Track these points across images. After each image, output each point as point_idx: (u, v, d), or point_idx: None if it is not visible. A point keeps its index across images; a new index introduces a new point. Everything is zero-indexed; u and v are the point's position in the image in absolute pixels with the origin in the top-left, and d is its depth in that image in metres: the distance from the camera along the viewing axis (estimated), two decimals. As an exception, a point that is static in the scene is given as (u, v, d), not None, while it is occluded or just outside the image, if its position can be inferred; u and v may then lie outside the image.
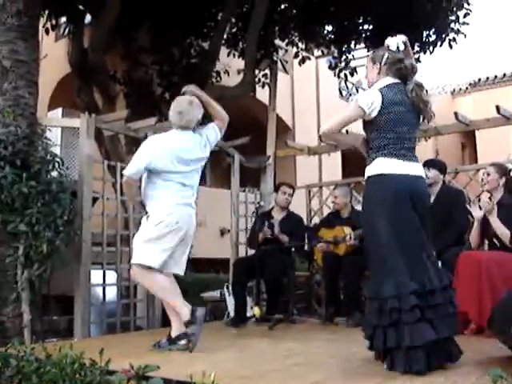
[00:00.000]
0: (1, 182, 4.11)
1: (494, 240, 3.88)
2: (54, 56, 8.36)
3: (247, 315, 4.96)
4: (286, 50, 10.42)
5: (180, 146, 3.58)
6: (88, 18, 7.63)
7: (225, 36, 7.80)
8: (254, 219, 5.54)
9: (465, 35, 7.59)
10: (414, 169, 2.85)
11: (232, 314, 5.18)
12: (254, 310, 4.84)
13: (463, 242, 4.28)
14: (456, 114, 5.48)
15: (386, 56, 2.90)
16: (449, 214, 4.27)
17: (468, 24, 7.52)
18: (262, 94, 8.35)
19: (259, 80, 8.05)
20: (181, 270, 3.67)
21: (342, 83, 12.43)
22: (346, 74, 8.73)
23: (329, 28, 8.13)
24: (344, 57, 8.40)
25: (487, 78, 14.34)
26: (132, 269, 3.63)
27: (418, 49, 7.65)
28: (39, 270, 4.21)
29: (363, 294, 4.65)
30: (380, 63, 2.91)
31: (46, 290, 4.61)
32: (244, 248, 6.10)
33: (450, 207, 4.33)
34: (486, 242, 4.14)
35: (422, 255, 2.76)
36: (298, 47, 8.46)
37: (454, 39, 7.59)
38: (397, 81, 2.89)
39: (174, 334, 3.50)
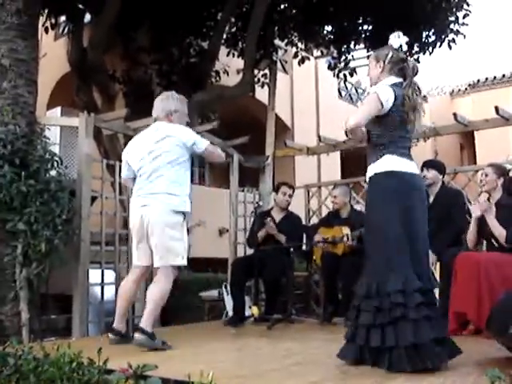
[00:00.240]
0: (-1, 180, 4.12)
1: (492, 241, 3.88)
2: (54, 55, 8.36)
3: (245, 315, 4.96)
4: (286, 50, 10.43)
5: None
6: (87, 17, 7.63)
7: (224, 36, 7.79)
8: (252, 219, 5.55)
9: (464, 36, 7.59)
10: (415, 167, 2.91)
11: (230, 313, 5.18)
12: (252, 310, 4.83)
13: (462, 242, 4.28)
14: (455, 114, 5.49)
15: (390, 55, 2.91)
16: (448, 214, 4.27)
17: (467, 25, 7.53)
18: (262, 94, 8.35)
19: (258, 80, 8.05)
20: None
21: (342, 83, 12.41)
22: (345, 75, 8.70)
23: (328, 28, 8.13)
24: (343, 57, 8.39)
25: (486, 79, 14.32)
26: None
27: (418, 49, 7.66)
28: (38, 269, 4.21)
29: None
30: (384, 62, 2.92)
31: (44, 289, 4.61)
32: (242, 248, 6.09)
33: (449, 208, 4.32)
34: (484, 242, 4.15)
35: (423, 254, 2.78)
36: (297, 47, 8.47)
37: (454, 40, 7.59)
38: (400, 80, 2.90)
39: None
